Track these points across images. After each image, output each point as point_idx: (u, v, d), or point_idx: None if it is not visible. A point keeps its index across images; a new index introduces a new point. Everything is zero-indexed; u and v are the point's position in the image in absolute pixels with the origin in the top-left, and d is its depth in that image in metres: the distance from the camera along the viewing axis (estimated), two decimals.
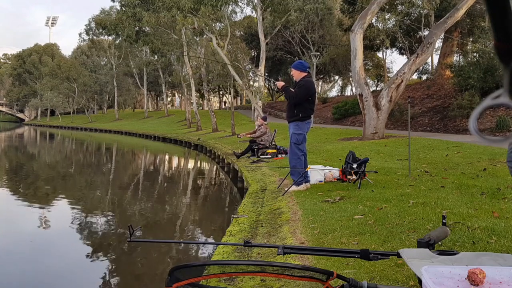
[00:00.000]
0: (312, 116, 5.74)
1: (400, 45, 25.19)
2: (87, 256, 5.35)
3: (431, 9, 19.66)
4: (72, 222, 7.07)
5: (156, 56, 36.99)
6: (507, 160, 2.52)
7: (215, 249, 3.66)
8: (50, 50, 68.79)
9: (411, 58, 13.38)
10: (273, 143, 11.04)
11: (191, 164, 17.73)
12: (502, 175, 5.53)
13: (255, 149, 11.03)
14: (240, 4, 22.01)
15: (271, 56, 31.75)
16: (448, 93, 19.36)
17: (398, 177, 6.03)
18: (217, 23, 22.11)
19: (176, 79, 36.57)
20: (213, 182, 12.34)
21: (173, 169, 16.10)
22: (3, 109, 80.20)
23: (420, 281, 0.88)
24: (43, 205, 8.64)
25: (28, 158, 19.84)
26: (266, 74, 28.88)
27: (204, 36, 24.05)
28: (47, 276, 4.73)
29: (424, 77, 26.45)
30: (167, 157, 21.00)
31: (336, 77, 42.69)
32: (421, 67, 22.06)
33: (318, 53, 26.11)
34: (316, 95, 8.80)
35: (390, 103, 12.96)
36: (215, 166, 14.91)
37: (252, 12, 25.43)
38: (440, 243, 1.32)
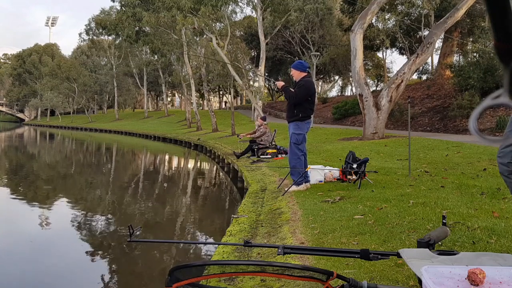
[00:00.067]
0: (312, 116, 5.74)
1: (400, 45, 25.19)
2: (87, 256, 5.35)
3: (431, 9, 19.66)
4: (72, 222, 7.07)
5: (156, 56, 36.98)
6: (497, 155, 2.51)
7: (215, 249, 3.66)
8: (50, 50, 68.80)
9: (411, 58, 13.39)
10: (273, 143, 11.04)
11: (191, 164, 17.73)
12: None
13: (255, 149, 11.03)
14: (240, 4, 22.03)
15: (271, 56, 31.75)
16: (448, 93, 19.36)
17: (398, 177, 6.03)
18: (217, 23, 22.11)
19: (176, 79, 36.57)
20: (213, 182, 12.34)
21: (173, 169, 16.10)
22: (3, 109, 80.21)
23: (420, 281, 0.88)
24: (43, 205, 8.64)
25: (28, 158, 19.84)
26: (266, 74, 28.87)
27: (204, 36, 24.05)
28: (47, 276, 4.73)
29: (424, 77, 26.46)
30: (167, 157, 21.00)
31: (336, 77, 42.70)
32: (421, 67, 22.06)
33: (318, 53, 26.11)
34: (316, 95, 8.83)
35: (390, 103, 12.96)
36: (215, 166, 14.91)
37: (252, 12, 25.45)
38: (440, 243, 1.32)
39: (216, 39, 19.71)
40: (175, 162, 18.79)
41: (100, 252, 5.51)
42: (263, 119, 12.17)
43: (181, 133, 27.60)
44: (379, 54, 33.82)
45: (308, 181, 5.68)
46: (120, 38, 35.86)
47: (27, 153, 22.48)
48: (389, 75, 32.91)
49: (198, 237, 6.39)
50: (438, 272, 0.87)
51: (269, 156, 10.44)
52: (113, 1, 32.06)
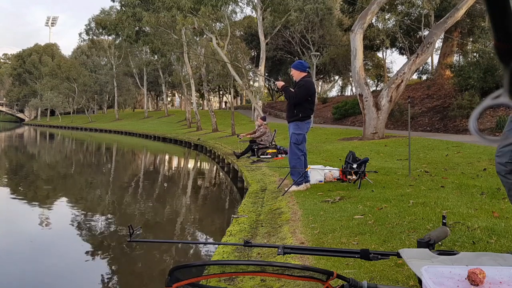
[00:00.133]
0: (312, 116, 5.74)
1: (400, 45, 25.19)
2: (87, 256, 5.35)
3: (431, 9, 19.66)
4: (72, 222, 7.07)
5: (156, 56, 36.99)
6: (496, 154, 2.51)
7: (215, 249, 3.66)
8: (50, 50, 68.81)
9: (411, 58, 13.38)
10: (273, 143, 11.04)
11: (191, 164, 17.73)
12: None
13: (255, 149, 11.03)
14: (240, 4, 22.03)
15: (271, 56, 31.75)
16: (448, 93, 19.37)
17: (398, 177, 6.03)
18: (217, 23, 22.11)
19: (176, 79, 36.57)
20: (213, 182, 12.34)
21: (173, 169, 16.10)
22: (3, 109, 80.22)
23: (420, 281, 0.88)
24: (43, 205, 8.64)
25: (28, 158, 19.84)
26: (266, 74, 28.87)
27: (204, 36, 24.05)
28: (47, 276, 4.73)
29: (424, 77, 26.46)
30: (167, 157, 21.00)
31: (336, 77, 42.70)
32: (421, 67, 22.06)
33: (318, 53, 26.11)
34: (316, 95, 8.83)
35: (390, 103, 12.96)
36: (215, 166, 14.91)
37: (252, 12, 25.45)
38: (440, 243, 1.32)
39: (216, 39, 19.71)
40: (175, 162, 18.79)
41: (100, 252, 5.51)
42: (263, 119, 12.17)
43: (181, 133, 27.60)
44: (379, 54, 33.83)
45: (308, 181, 5.68)
46: (120, 38, 35.86)
47: (27, 153, 22.48)
48: (389, 75, 32.91)
49: (198, 237, 6.39)
50: (438, 272, 0.87)
51: (269, 156, 10.44)
52: (113, 1, 32.08)
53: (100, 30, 39.67)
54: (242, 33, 35.28)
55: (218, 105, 57.02)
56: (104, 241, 6.02)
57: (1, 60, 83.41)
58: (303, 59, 20.37)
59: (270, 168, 8.49)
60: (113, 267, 4.96)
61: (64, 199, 9.41)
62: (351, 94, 38.16)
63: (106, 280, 4.53)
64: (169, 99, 62.32)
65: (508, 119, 2.47)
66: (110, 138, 33.73)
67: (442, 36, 19.94)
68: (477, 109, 0.51)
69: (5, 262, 5.05)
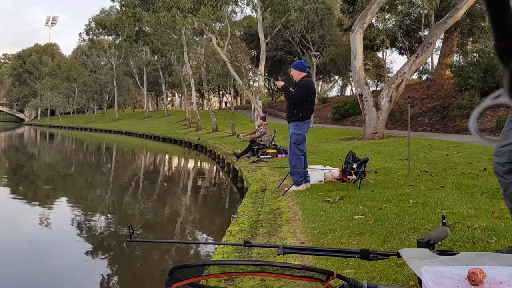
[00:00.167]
0: (311, 116, 5.74)
1: (400, 45, 25.19)
2: (87, 256, 5.35)
3: (431, 9, 19.66)
4: (72, 222, 7.07)
5: (156, 56, 37.00)
6: (494, 154, 2.51)
7: (215, 249, 3.66)
8: (50, 50, 68.80)
9: (411, 58, 13.38)
10: (273, 143, 11.04)
11: (191, 164, 17.73)
12: None
13: (255, 149, 11.03)
14: (240, 4, 22.04)
15: (271, 56, 31.75)
16: (448, 93, 19.37)
17: (398, 177, 6.03)
18: (217, 23, 22.11)
19: (176, 79, 36.58)
20: (213, 182, 12.34)
21: (173, 169, 16.10)
22: (3, 109, 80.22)
23: (420, 281, 0.88)
24: (43, 205, 8.64)
25: (28, 158, 19.84)
26: (266, 74, 28.87)
27: (204, 36, 24.05)
28: (47, 276, 4.73)
29: (424, 77, 26.46)
30: (167, 157, 21.00)
31: (336, 77, 42.70)
32: (421, 67, 22.06)
33: (318, 53, 26.10)
34: (316, 95, 8.84)
35: (390, 103, 12.96)
36: (215, 166, 14.91)
37: (252, 12, 25.45)
38: (440, 243, 1.32)
39: (216, 39, 19.71)
40: (175, 162, 18.79)
41: (100, 252, 5.51)
42: (263, 119, 12.17)
43: (181, 133, 27.60)
44: (379, 54, 33.83)
45: (308, 181, 5.68)
46: (120, 38, 35.86)
47: (27, 153, 22.48)
48: (389, 75, 32.91)
49: (198, 237, 6.39)
50: (438, 272, 0.87)
51: (269, 156, 10.44)
52: (113, 1, 32.09)
53: (100, 30, 39.68)
54: (242, 33, 35.28)
55: (218, 105, 57.02)
56: (104, 241, 6.02)
57: (1, 60, 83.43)
58: (303, 59, 20.36)
59: (270, 168, 8.49)
60: (113, 267, 4.96)
61: (64, 199, 9.41)
62: (351, 94, 38.17)
63: (106, 280, 4.53)
64: (169, 99, 62.33)
65: (508, 119, 2.47)
66: (110, 138, 33.73)
67: (442, 36, 19.94)
68: (477, 109, 0.51)
69: (5, 262, 5.05)
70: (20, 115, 78.47)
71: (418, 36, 23.79)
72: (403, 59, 48.14)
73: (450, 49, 24.37)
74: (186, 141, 23.86)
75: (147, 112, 48.28)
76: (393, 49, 28.85)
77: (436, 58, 28.22)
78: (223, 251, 3.36)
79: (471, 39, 22.20)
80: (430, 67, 27.48)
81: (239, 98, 52.27)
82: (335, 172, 6.19)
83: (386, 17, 22.65)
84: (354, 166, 5.87)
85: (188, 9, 19.11)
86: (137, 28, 29.92)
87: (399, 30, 22.55)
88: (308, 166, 5.77)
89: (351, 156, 6.15)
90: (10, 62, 75.96)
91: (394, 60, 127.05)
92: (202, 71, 25.92)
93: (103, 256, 5.39)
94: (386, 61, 37.33)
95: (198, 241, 6.13)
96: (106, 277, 4.61)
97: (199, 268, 0.90)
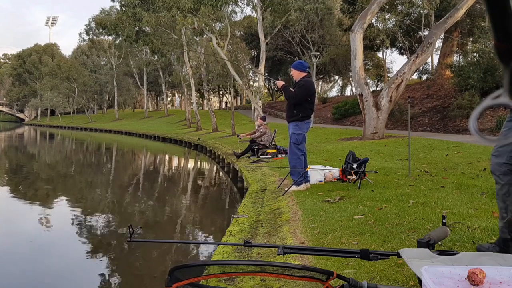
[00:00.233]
0: (311, 116, 5.74)
1: (400, 45, 25.19)
2: (87, 256, 5.35)
3: (431, 9, 19.66)
4: (72, 222, 7.07)
5: (156, 56, 37.01)
6: (492, 154, 2.51)
7: (215, 249, 3.66)
8: (50, 50, 68.80)
9: (411, 58, 13.39)
10: (273, 143, 11.04)
11: (191, 164, 17.73)
12: None
13: (255, 149, 11.03)
14: (240, 4, 22.04)
15: (271, 56, 31.75)
16: (448, 93, 19.37)
17: (398, 177, 6.02)
18: (217, 23, 22.11)
19: (176, 79, 36.58)
20: (213, 182, 12.34)
21: (173, 169, 16.10)
22: (3, 109, 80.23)
23: (420, 281, 0.88)
24: (43, 205, 8.64)
25: (28, 158, 19.84)
26: (266, 74, 28.87)
27: (204, 36, 24.05)
28: (47, 276, 4.73)
29: (424, 77, 26.46)
30: (167, 157, 21.01)
31: (336, 77, 42.70)
32: (421, 67, 22.06)
33: (318, 53, 26.10)
34: (316, 95, 8.85)
35: (390, 103, 12.96)
36: (215, 166, 14.91)
37: (252, 12, 25.46)
38: (440, 243, 1.32)
39: (216, 39, 19.71)
40: (175, 162, 18.80)
41: (100, 252, 5.51)
42: (263, 119, 12.17)
43: (181, 133, 27.60)
44: (379, 54, 33.84)
45: (308, 181, 5.68)
46: (120, 38, 35.87)
47: (27, 153, 22.48)
48: (389, 75, 32.91)
49: (198, 237, 6.39)
50: (438, 272, 0.87)
51: (269, 156, 10.44)
52: (113, 1, 32.09)
53: (100, 30, 39.68)
54: (242, 33, 35.28)
55: (218, 105, 57.02)
56: (104, 241, 6.02)
57: (1, 60, 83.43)
58: (303, 59, 20.38)
59: (270, 168, 8.49)
60: (113, 267, 4.96)
61: (64, 199, 9.41)
62: (351, 94, 38.17)
63: (106, 280, 4.53)
64: (169, 99, 62.35)
65: (506, 119, 2.47)
66: (110, 138, 33.73)
67: (442, 36, 19.94)
68: (477, 109, 0.51)
69: (5, 262, 5.05)
70: (20, 115, 78.48)
71: (418, 36, 23.79)
72: (403, 59, 48.18)
73: (450, 49, 24.37)
74: (186, 141, 23.86)
75: (147, 112, 48.29)
76: (393, 49, 28.87)
77: (436, 58, 28.26)
78: (223, 251, 3.36)
79: (471, 39, 22.20)
80: (430, 67, 27.48)
81: (239, 98, 52.27)
82: (335, 172, 6.19)
83: (386, 17, 22.65)
84: (354, 166, 5.87)
85: (188, 9, 19.11)
86: (137, 28, 29.93)
87: (399, 30, 22.55)
88: (308, 166, 5.77)
89: (351, 156, 6.15)
90: (10, 62, 75.96)
91: (394, 60, 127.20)
92: (202, 71, 25.92)
93: (103, 256, 5.39)
94: (386, 61, 37.37)
95: (198, 241, 6.14)
96: (106, 277, 4.61)
97: (199, 268, 0.90)
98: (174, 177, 13.56)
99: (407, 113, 11.63)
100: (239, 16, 32.64)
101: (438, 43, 24.00)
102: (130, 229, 1.13)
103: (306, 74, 5.61)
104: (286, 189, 5.54)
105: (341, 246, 3.04)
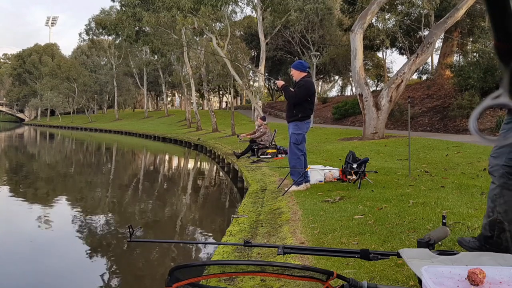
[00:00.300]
0: (311, 116, 5.74)
1: (400, 45, 25.19)
2: (87, 256, 5.35)
3: (431, 9, 19.67)
4: (72, 222, 7.07)
5: (156, 56, 37.01)
6: (491, 155, 2.51)
7: (215, 249, 3.66)
8: (50, 50, 68.80)
9: (411, 58, 13.39)
10: (273, 143, 11.04)
11: (191, 164, 17.73)
12: None
13: (255, 149, 11.03)
14: (240, 4, 22.05)
15: (271, 56, 31.75)
16: (448, 93, 19.37)
17: (398, 177, 6.02)
18: (217, 23, 22.11)
19: (176, 79, 36.59)
20: (213, 182, 12.34)
21: (173, 169, 16.10)
22: (3, 109, 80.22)
23: (420, 281, 0.88)
24: (43, 205, 8.64)
25: (28, 158, 19.84)
26: (266, 74, 28.86)
27: (204, 36, 24.06)
28: (47, 276, 4.73)
29: (424, 77, 26.46)
30: (167, 157, 21.01)
31: (336, 77, 42.70)
32: (421, 67, 22.07)
33: (318, 53, 26.09)
34: (316, 95, 8.85)
35: (390, 103, 12.96)
36: (215, 166, 14.91)
37: (252, 12, 25.46)
38: (440, 243, 1.32)
39: (216, 39, 19.71)
40: (175, 162, 18.80)
41: (100, 252, 5.51)
42: (263, 119, 12.17)
43: (181, 133, 27.60)
44: (379, 54, 33.83)
45: (308, 181, 5.68)
46: (120, 38, 35.88)
47: (27, 153, 22.48)
48: (389, 75, 32.92)
49: (198, 237, 6.39)
50: (438, 272, 0.87)
51: (269, 156, 10.44)
52: (113, 1, 32.10)
53: (100, 30, 39.69)
54: (242, 33, 35.28)
55: (218, 105, 57.02)
56: (104, 241, 6.02)
57: (1, 60, 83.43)
58: (303, 59, 20.36)
59: (270, 168, 8.49)
60: (113, 267, 4.96)
61: (64, 199, 9.41)
62: (351, 94, 38.17)
63: (106, 280, 4.53)
64: (169, 99, 62.35)
65: (504, 120, 2.47)
66: (110, 138, 33.73)
67: (442, 36, 19.94)
68: (477, 109, 0.51)
69: (5, 262, 5.05)
70: (20, 115, 78.48)
71: (418, 36, 23.79)
72: (403, 59, 48.18)
73: (450, 49, 24.37)
74: (186, 141, 23.86)
75: (147, 112, 48.30)
76: (393, 49, 28.87)
77: (436, 58, 28.26)
78: (223, 251, 3.36)
79: (471, 39, 22.20)
80: (430, 67, 27.48)
81: (239, 98, 52.27)
82: (335, 172, 6.19)
83: (386, 17, 22.65)
84: (354, 166, 5.87)
85: (188, 9, 19.11)
86: (137, 28, 29.93)
87: (399, 30, 22.55)
88: (308, 166, 5.77)
89: (351, 156, 6.15)
90: (10, 62, 75.96)
91: (394, 60, 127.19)
92: (202, 71, 25.92)
93: (103, 256, 5.39)
94: (386, 61, 37.37)
95: (198, 241, 6.14)
96: (106, 277, 4.61)
97: (199, 268, 0.90)
98: (174, 177, 13.56)
99: (407, 113, 11.63)
100: (239, 16, 32.70)
101: (438, 43, 24.02)
102: (130, 229, 1.13)
103: (306, 74, 5.61)
104: (286, 189, 5.54)
105: (341, 246, 3.04)
